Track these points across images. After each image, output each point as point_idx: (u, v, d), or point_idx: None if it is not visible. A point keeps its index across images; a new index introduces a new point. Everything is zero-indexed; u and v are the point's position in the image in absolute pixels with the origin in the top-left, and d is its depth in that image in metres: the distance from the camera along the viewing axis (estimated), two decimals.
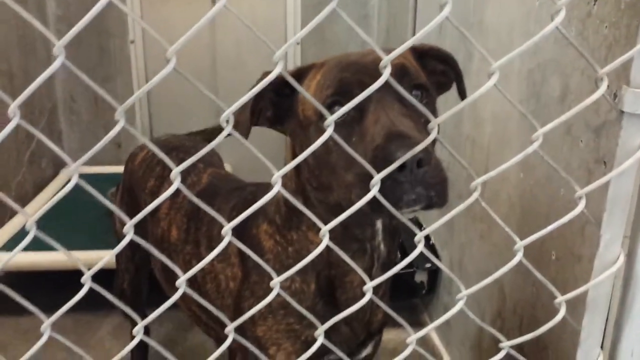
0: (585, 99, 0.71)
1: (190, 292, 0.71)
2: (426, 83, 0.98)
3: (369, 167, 0.71)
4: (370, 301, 0.79)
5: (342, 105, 0.91)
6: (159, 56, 3.19)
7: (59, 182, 3.14)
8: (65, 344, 0.69)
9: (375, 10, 3.34)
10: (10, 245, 2.42)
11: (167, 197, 0.64)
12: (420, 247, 0.75)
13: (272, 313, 1.14)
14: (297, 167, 1.04)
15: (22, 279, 2.39)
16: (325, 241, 0.72)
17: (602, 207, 0.78)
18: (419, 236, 0.75)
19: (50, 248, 0.64)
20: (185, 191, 0.64)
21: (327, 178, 0.96)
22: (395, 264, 0.86)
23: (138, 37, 3.25)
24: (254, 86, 0.68)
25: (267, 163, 0.69)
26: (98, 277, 0.67)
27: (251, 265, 1.19)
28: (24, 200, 2.88)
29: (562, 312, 0.82)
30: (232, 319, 0.76)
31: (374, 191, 0.71)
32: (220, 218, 0.69)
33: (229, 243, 0.69)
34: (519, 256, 0.78)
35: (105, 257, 0.66)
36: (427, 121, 0.72)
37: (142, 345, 1.89)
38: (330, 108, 0.92)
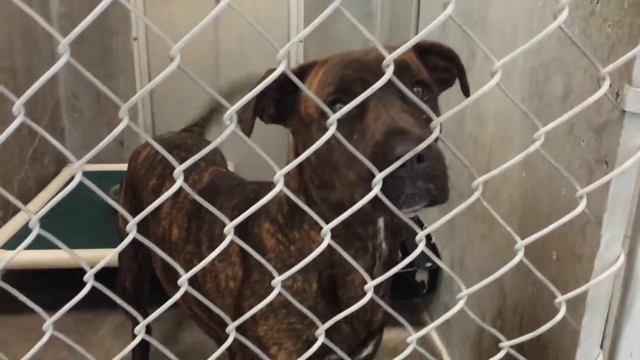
0: (587, 98, 0.71)
1: (192, 291, 0.71)
2: (427, 80, 0.98)
3: (370, 166, 0.71)
4: (371, 300, 0.79)
5: (343, 102, 0.92)
6: (162, 53, 3.20)
7: (61, 179, 3.14)
8: (67, 342, 0.69)
9: (379, 8, 3.34)
10: (12, 243, 2.42)
11: (169, 196, 0.65)
12: (421, 247, 0.75)
13: (274, 312, 1.14)
14: (300, 166, 1.04)
15: (23, 276, 2.39)
16: (327, 240, 0.72)
17: (602, 207, 0.78)
18: (420, 235, 0.75)
19: (52, 246, 0.64)
20: (188, 189, 0.65)
21: (329, 176, 0.96)
22: (397, 263, 0.86)
23: (141, 34, 3.25)
24: (256, 84, 0.68)
25: (269, 161, 0.69)
26: (100, 275, 0.67)
27: (252, 265, 1.19)
28: (26, 198, 2.89)
29: (562, 312, 0.82)
30: (233, 319, 0.76)
31: (375, 190, 0.71)
32: (222, 216, 0.69)
33: (231, 242, 0.69)
34: (519, 256, 0.78)
35: (107, 256, 0.66)
36: (429, 117, 0.72)
37: (143, 344, 1.90)
38: (332, 105, 0.92)
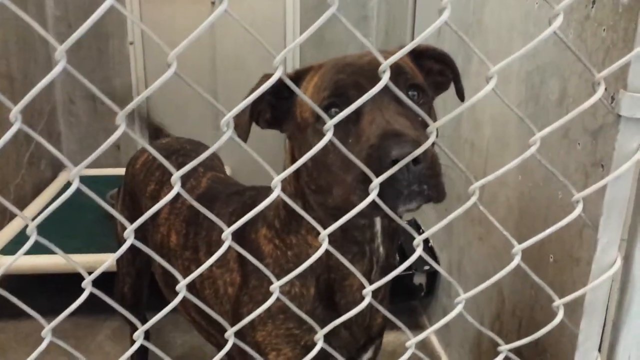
0: (583, 101, 0.71)
1: (190, 296, 0.71)
2: (422, 83, 0.98)
3: (367, 170, 0.71)
4: (370, 305, 0.80)
5: (338, 106, 0.92)
6: (158, 57, 3.19)
7: (58, 184, 3.14)
8: (65, 348, 0.69)
9: (375, 11, 3.35)
10: (9, 248, 2.41)
11: (167, 202, 0.65)
12: (418, 251, 0.75)
13: (272, 318, 1.14)
14: (296, 170, 1.04)
15: (21, 281, 2.39)
16: (325, 245, 0.72)
17: (599, 211, 0.78)
18: (418, 240, 0.75)
19: (49, 251, 0.64)
20: (186, 196, 0.65)
21: (325, 180, 0.96)
22: (395, 267, 0.86)
23: (137, 38, 3.25)
24: (253, 90, 0.68)
25: (266, 167, 0.69)
26: (98, 279, 0.67)
27: (250, 270, 1.19)
28: (23, 202, 2.88)
29: (560, 315, 0.82)
30: (231, 325, 0.76)
31: (372, 195, 0.71)
32: (220, 222, 0.69)
33: (228, 248, 0.69)
34: (516, 260, 0.78)
35: (105, 261, 0.66)
36: (424, 120, 0.72)
37: (142, 349, 1.90)
38: (327, 110, 0.93)
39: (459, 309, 0.80)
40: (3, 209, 2.68)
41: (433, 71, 1.08)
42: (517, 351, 0.85)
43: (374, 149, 0.83)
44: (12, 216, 2.71)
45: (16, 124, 0.55)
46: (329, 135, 0.66)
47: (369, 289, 0.77)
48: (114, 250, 0.71)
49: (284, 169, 0.72)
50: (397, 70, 0.92)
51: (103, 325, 2.43)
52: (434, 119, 1.01)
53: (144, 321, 0.72)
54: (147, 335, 2.06)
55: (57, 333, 0.66)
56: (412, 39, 2.56)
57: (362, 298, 0.78)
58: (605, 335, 0.87)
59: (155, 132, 2.01)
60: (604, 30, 1.07)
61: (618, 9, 1.02)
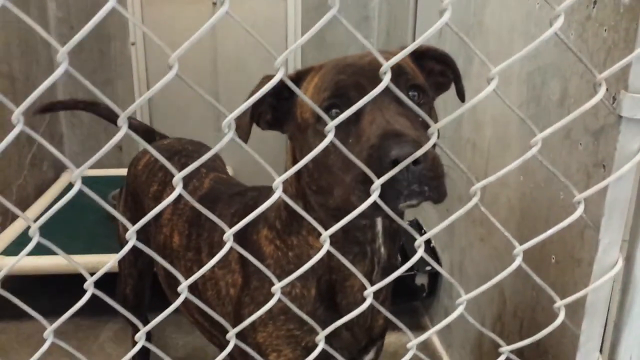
0: (584, 102, 0.71)
1: (192, 298, 0.71)
2: (423, 84, 0.98)
3: (368, 171, 0.72)
4: (371, 306, 0.80)
5: (338, 107, 0.92)
6: (160, 58, 3.20)
7: (60, 185, 3.14)
8: (67, 349, 0.69)
9: (376, 12, 3.35)
10: (12, 249, 2.42)
11: (170, 202, 0.65)
12: (420, 252, 0.75)
13: (273, 319, 1.14)
14: (298, 172, 1.04)
15: (23, 282, 2.39)
16: (326, 246, 0.72)
17: (600, 211, 0.78)
18: (419, 241, 0.75)
19: (51, 252, 0.64)
20: (188, 197, 0.65)
21: (326, 181, 0.96)
22: (396, 267, 0.86)
23: (139, 39, 3.25)
24: (254, 91, 0.69)
25: (268, 168, 0.69)
26: (100, 280, 0.67)
27: (252, 271, 1.19)
28: (25, 203, 2.89)
29: (561, 316, 0.82)
30: (233, 326, 0.77)
31: (374, 196, 0.71)
32: (221, 223, 0.70)
33: (230, 249, 0.69)
34: (518, 261, 0.78)
35: (107, 262, 0.66)
36: (424, 120, 0.72)
37: (144, 350, 1.89)
38: (328, 111, 0.93)
39: (460, 310, 0.80)
40: (5, 210, 2.69)
41: (434, 72, 1.08)
42: (518, 352, 0.85)
43: (374, 149, 0.83)
44: (15, 217, 2.71)
45: (18, 125, 0.55)
46: (330, 137, 0.66)
47: (370, 290, 0.77)
48: (116, 252, 0.71)
49: (285, 170, 0.72)
50: (397, 71, 0.92)
51: (105, 326, 2.43)
52: (435, 120, 1.01)
53: (145, 323, 0.72)
54: (149, 336, 2.07)
55: (58, 334, 0.66)
56: (414, 39, 2.56)
57: (364, 299, 0.78)
58: (606, 336, 0.87)
59: (146, 136, 1.98)
60: (605, 30, 1.07)
61: (619, 9, 1.02)
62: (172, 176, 0.64)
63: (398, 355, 0.79)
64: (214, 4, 3.22)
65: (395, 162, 0.77)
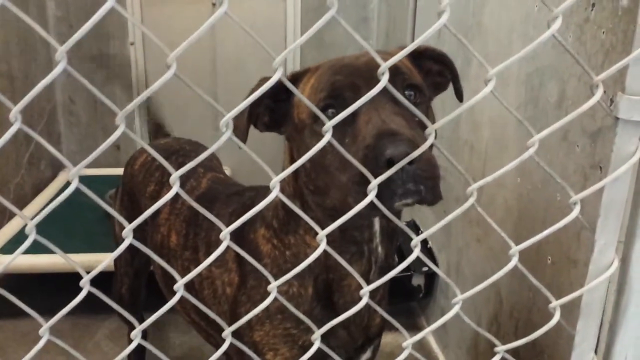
0: (582, 104, 0.71)
1: (188, 296, 0.71)
2: (420, 83, 0.99)
3: (365, 171, 0.72)
4: (368, 305, 0.80)
5: (335, 107, 0.92)
6: (159, 58, 3.19)
7: (57, 183, 3.14)
8: (63, 347, 0.69)
9: (375, 13, 3.35)
10: (8, 247, 2.42)
11: (167, 202, 0.65)
12: (416, 252, 0.75)
13: (270, 318, 1.14)
14: (295, 171, 1.05)
15: (20, 281, 2.39)
16: (323, 246, 0.72)
17: (596, 213, 0.78)
18: (415, 241, 0.75)
19: (48, 250, 0.64)
20: (185, 196, 0.65)
21: (323, 181, 0.97)
22: (393, 267, 0.86)
23: (138, 39, 3.25)
24: (252, 92, 0.69)
25: (265, 168, 0.69)
26: (96, 279, 0.68)
27: (248, 270, 1.19)
28: (22, 202, 2.89)
29: (556, 317, 0.82)
30: (229, 325, 0.77)
31: (371, 196, 0.71)
32: (218, 222, 0.70)
33: (227, 248, 0.69)
34: (514, 261, 0.78)
35: (104, 261, 0.66)
36: (421, 119, 0.73)
37: (139, 349, 1.90)
38: (324, 111, 0.93)
39: (456, 309, 0.80)
40: (3, 208, 2.68)
41: (432, 72, 1.08)
42: (514, 352, 0.85)
43: (369, 149, 0.83)
44: (12, 215, 2.71)
45: (16, 124, 0.56)
46: (327, 137, 0.66)
47: (366, 289, 0.77)
48: (112, 250, 0.71)
49: (283, 170, 0.72)
50: (394, 71, 0.92)
51: (101, 325, 2.43)
52: (432, 120, 1.01)
53: (141, 322, 0.72)
54: (145, 334, 2.07)
55: (55, 332, 0.66)
56: (413, 40, 2.56)
57: (360, 298, 0.78)
58: (601, 336, 0.87)
59: (155, 130, 2.00)
60: (604, 33, 1.07)
61: (617, 11, 1.02)
62: (170, 176, 0.64)
63: (394, 355, 0.79)
64: (214, 4, 3.22)
65: (390, 161, 0.78)
